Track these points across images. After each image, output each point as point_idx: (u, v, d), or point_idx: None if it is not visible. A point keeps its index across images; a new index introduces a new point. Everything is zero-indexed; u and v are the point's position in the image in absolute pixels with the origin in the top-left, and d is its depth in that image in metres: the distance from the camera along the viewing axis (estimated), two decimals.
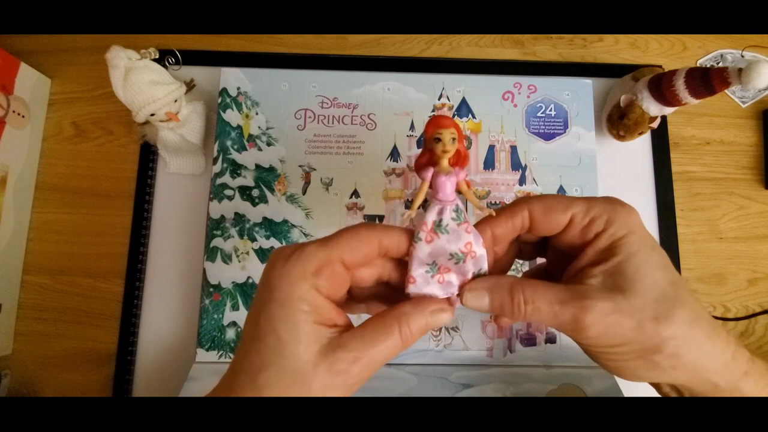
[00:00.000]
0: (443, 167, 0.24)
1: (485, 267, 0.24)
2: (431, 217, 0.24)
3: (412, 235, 0.23)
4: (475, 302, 0.24)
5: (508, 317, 0.24)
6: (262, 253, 0.45)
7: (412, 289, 0.24)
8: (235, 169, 0.47)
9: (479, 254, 0.24)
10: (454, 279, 0.24)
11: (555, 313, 0.22)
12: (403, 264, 0.24)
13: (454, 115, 0.49)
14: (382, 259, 0.24)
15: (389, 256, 0.24)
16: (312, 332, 0.21)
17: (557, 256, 0.27)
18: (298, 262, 0.21)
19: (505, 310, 0.24)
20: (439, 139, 0.23)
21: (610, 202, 0.24)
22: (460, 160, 0.24)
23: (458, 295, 0.24)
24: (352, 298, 0.25)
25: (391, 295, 0.26)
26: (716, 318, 0.49)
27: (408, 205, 0.47)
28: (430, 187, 0.24)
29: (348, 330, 0.22)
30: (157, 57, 0.42)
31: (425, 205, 0.24)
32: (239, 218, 0.46)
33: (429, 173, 0.24)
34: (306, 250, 0.22)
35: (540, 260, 0.30)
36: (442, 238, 0.23)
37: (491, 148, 0.48)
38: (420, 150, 0.25)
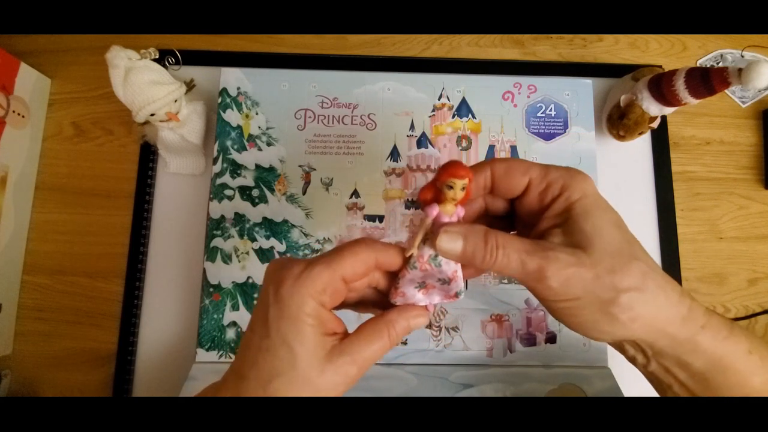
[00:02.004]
0: (447, 210, 0.25)
1: (463, 286, 0.27)
2: (428, 252, 0.25)
3: (404, 253, 0.26)
4: (449, 245, 0.24)
5: (478, 263, 0.24)
6: (262, 253, 0.45)
7: (399, 300, 0.27)
8: (235, 169, 0.47)
9: (461, 276, 0.26)
10: (437, 296, 0.27)
11: (522, 261, 0.24)
12: (392, 273, 0.27)
13: (454, 115, 0.49)
14: (374, 270, 0.26)
15: (381, 270, 0.27)
16: (319, 343, 0.24)
17: (524, 231, 0.28)
18: (308, 282, 0.23)
19: (476, 255, 0.24)
20: (451, 187, 0.24)
21: (567, 169, 0.26)
22: (463, 200, 0.25)
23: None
24: (343, 302, 0.27)
25: (376, 298, 0.28)
26: None
27: (408, 205, 0.47)
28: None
29: (345, 335, 0.25)
30: (157, 57, 0.42)
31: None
32: (239, 218, 0.46)
33: (434, 211, 0.25)
34: (314, 270, 0.24)
35: None
36: (434, 270, 0.25)
37: (491, 148, 0.48)
38: (424, 185, 0.26)
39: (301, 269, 0.24)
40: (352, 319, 0.27)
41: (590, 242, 0.24)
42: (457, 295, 0.26)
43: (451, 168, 0.23)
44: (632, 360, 0.27)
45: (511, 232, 0.27)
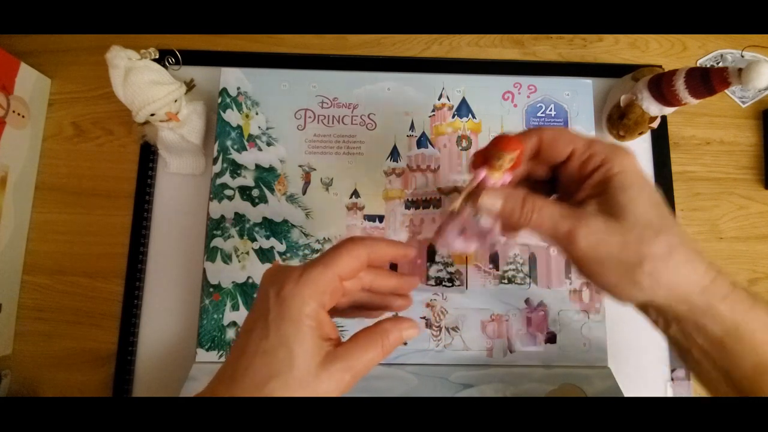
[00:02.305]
0: (495, 176, 0.28)
1: (500, 238, 0.30)
2: (470, 208, 0.28)
3: (394, 244, 0.28)
4: (490, 202, 0.27)
5: (514, 222, 0.27)
6: (262, 253, 0.45)
7: (440, 243, 0.30)
8: (235, 169, 0.47)
9: (497, 230, 0.30)
10: (474, 244, 0.30)
11: (554, 223, 0.26)
12: (383, 270, 0.29)
13: (454, 115, 0.49)
14: (366, 270, 0.28)
15: (374, 265, 0.28)
16: (316, 346, 0.24)
17: (564, 197, 0.30)
18: (309, 283, 0.24)
19: (513, 215, 0.27)
20: (500, 158, 0.26)
21: (611, 144, 0.27)
22: (512, 168, 0.28)
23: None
24: (335, 307, 0.28)
25: (367, 300, 0.30)
26: None
27: (408, 205, 0.47)
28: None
29: (338, 343, 0.26)
30: (157, 57, 0.42)
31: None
32: (239, 218, 0.46)
33: (481, 174, 0.27)
34: (313, 272, 0.25)
35: None
36: (474, 223, 0.29)
37: None
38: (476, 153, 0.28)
39: (300, 272, 0.25)
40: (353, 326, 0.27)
41: (623, 213, 0.25)
42: (492, 246, 0.32)
43: (502, 142, 0.25)
44: (654, 323, 0.28)
45: (552, 196, 0.30)
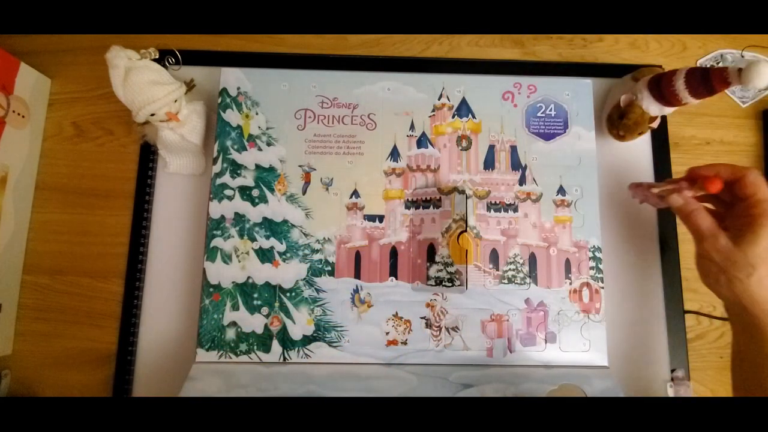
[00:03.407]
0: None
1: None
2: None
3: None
4: (674, 199, 0.41)
5: (682, 215, 0.41)
6: (262, 253, 0.45)
7: (636, 191, 0.45)
8: (235, 169, 0.47)
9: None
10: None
11: (700, 227, 0.39)
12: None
13: (454, 115, 0.49)
14: None
15: None
16: None
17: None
18: None
19: (683, 210, 0.40)
20: (699, 189, 0.40)
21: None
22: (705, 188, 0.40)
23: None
24: None
25: None
26: (716, 318, 0.49)
27: (408, 205, 0.47)
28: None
29: None
30: (157, 57, 0.42)
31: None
32: (239, 218, 0.46)
33: (684, 187, 0.41)
34: None
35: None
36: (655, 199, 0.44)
37: (491, 148, 0.48)
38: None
39: None
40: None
41: (740, 244, 0.37)
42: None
43: (708, 183, 0.38)
44: (731, 324, 0.40)
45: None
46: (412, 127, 0.49)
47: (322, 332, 0.44)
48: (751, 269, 0.36)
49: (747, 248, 0.36)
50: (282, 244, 0.46)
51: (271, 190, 0.47)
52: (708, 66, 0.42)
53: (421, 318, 0.45)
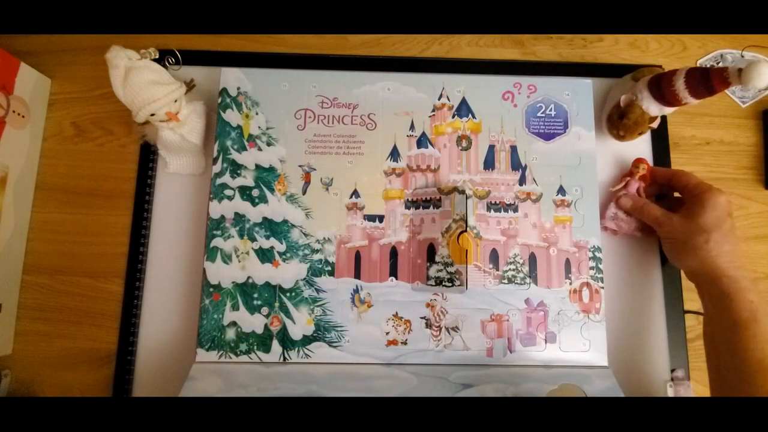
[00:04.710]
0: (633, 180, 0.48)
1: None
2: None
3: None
4: (624, 201, 0.47)
5: (635, 212, 0.47)
6: (262, 253, 0.45)
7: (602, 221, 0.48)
8: (235, 169, 0.47)
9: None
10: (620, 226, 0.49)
11: (654, 216, 0.45)
12: None
13: (454, 115, 0.49)
14: None
15: None
16: None
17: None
18: None
19: (634, 207, 0.47)
20: (636, 167, 0.48)
21: (706, 185, 0.44)
22: (642, 178, 0.48)
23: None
24: None
25: None
26: None
27: (408, 205, 0.47)
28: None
29: None
30: (157, 57, 0.42)
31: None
32: (239, 218, 0.46)
33: (627, 179, 0.48)
34: None
35: None
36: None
37: (491, 148, 0.48)
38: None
39: None
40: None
41: (694, 218, 0.42)
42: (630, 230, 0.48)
43: (637, 162, 0.48)
44: (698, 291, 0.43)
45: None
46: (412, 127, 0.49)
47: (322, 332, 0.44)
48: (706, 235, 0.41)
49: (698, 219, 0.42)
50: (282, 244, 0.46)
51: (271, 190, 0.47)
52: (708, 66, 0.42)
53: (421, 318, 0.45)
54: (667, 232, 0.44)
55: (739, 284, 0.39)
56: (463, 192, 0.47)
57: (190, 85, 0.46)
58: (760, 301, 0.39)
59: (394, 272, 0.46)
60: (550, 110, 0.49)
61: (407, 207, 0.47)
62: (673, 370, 0.47)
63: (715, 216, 0.41)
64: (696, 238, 0.41)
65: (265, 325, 0.44)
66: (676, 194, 0.48)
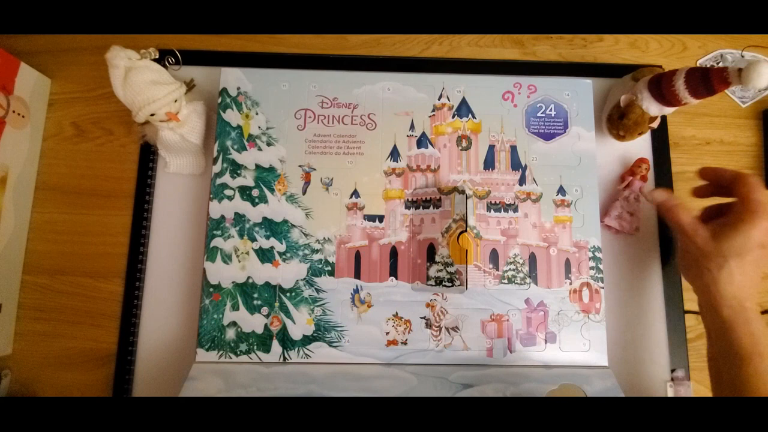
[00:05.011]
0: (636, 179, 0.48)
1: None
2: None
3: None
4: (658, 193, 0.43)
5: (666, 208, 0.42)
6: (262, 253, 0.45)
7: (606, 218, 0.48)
8: (235, 169, 0.47)
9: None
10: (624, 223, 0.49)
11: (683, 222, 0.41)
12: None
13: (454, 115, 0.49)
14: None
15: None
16: None
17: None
18: None
19: (665, 205, 0.42)
20: (638, 166, 0.48)
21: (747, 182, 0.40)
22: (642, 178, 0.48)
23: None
24: None
25: None
26: None
27: (408, 205, 0.47)
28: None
29: None
30: (157, 57, 0.42)
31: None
32: (239, 218, 0.46)
33: (629, 178, 0.48)
34: None
35: None
36: (629, 205, 0.49)
37: (491, 148, 0.48)
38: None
39: None
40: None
41: (719, 241, 0.38)
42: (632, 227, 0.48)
43: (640, 159, 0.49)
44: (701, 313, 0.41)
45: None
46: (412, 127, 0.49)
47: (322, 332, 0.44)
48: (722, 261, 0.38)
49: (723, 241, 0.38)
50: (282, 244, 0.46)
51: (271, 190, 0.47)
52: (708, 66, 0.42)
53: (421, 318, 0.45)
54: (687, 244, 0.41)
55: (741, 316, 0.37)
56: (463, 192, 0.47)
57: (190, 85, 0.46)
58: (762, 334, 0.37)
59: (394, 272, 0.46)
60: (550, 110, 0.49)
61: (407, 207, 0.47)
62: (673, 370, 0.47)
63: (740, 243, 0.37)
64: (711, 261, 0.38)
65: (265, 325, 0.44)
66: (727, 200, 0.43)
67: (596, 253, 0.46)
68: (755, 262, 0.38)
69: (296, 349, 0.44)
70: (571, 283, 0.46)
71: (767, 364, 0.35)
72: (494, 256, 0.46)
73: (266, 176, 0.47)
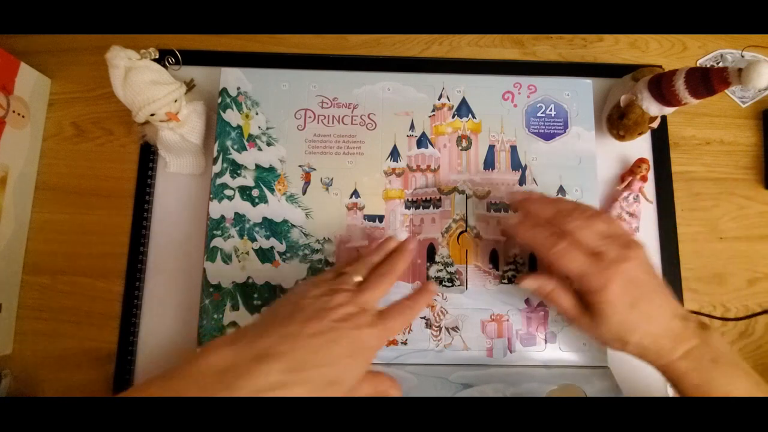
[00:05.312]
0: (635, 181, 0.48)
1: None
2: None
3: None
4: (529, 284, 0.39)
5: (541, 296, 0.39)
6: (262, 253, 0.45)
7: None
8: (235, 169, 0.47)
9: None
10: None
11: (563, 308, 0.38)
12: None
13: (454, 115, 0.49)
14: None
15: None
16: None
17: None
18: (384, 337, 0.33)
19: (540, 292, 0.39)
20: (638, 166, 0.48)
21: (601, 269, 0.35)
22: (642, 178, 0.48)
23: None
24: None
25: None
26: (716, 318, 0.49)
27: (408, 205, 0.47)
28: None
29: None
30: (157, 57, 0.42)
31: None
32: (239, 218, 0.46)
33: (629, 178, 0.48)
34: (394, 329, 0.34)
35: None
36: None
37: (491, 148, 0.48)
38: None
39: (381, 330, 0.34)
40: None
41: (601, 319, 0.35)
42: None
43: (640, 159, 0.49)
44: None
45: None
46: (412, 127, 0.49)
47: None
48: (620, 344, 0.35)
49: (603, 328, 0.35)
50: (282, 244, 0.46)
51: (271, 190, 0.47)
52: (708, 66, 0.42)
53: (421, 318, 0.45)
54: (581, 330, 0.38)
55: (673, 372, 0.34)
56: (463, 192, 0.47)
57: (190, 85, 0.46)
58: (702, 375, 0.33)
59: None
60: (550, 110, 0.49)
61: (407, 207, 0.47)
62: None
63: (617, 321, 0.34)
64: (613, 344, 0.36)
65: None
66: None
67: None
68: (645, 314, 0.34)
69: None
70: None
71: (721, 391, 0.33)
72: (494, 256, 0.46)
73: (266, 176, 0.47)
